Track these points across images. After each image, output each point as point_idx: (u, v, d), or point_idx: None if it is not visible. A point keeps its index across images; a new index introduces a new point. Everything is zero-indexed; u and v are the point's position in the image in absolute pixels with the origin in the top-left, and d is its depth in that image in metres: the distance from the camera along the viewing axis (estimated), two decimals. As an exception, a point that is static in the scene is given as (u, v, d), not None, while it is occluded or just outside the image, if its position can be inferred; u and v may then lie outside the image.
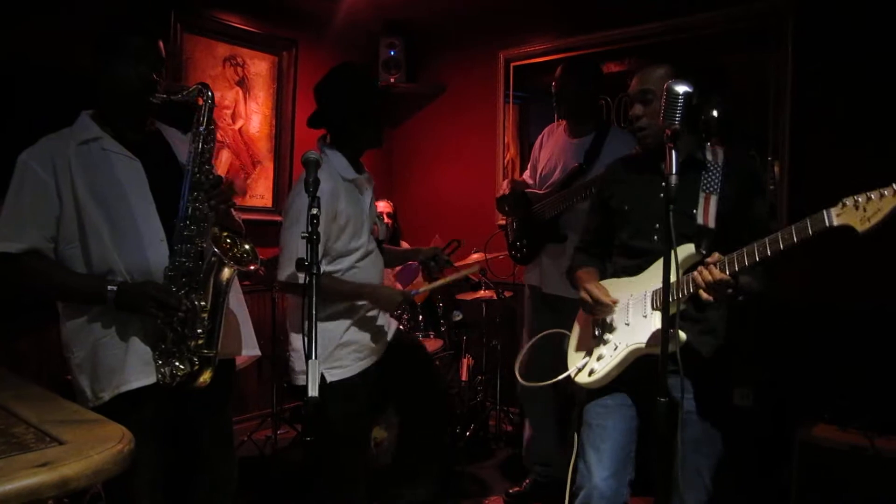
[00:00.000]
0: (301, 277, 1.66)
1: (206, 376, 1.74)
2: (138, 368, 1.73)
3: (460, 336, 3.76)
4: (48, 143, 1.75)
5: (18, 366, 2.88)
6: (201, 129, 1.77)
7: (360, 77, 2.25)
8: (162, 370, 1.73)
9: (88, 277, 1.72)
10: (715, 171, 1.82)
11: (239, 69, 3.94)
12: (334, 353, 2.13)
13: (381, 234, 2.35)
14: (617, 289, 1.89)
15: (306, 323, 1.49)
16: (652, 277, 1.82)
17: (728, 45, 3.25)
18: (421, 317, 3.28)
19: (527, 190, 2.95)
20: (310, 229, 1.57)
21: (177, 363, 1.73)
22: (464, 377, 3.72)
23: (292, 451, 3.52)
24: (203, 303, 1.73)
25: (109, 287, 1.67)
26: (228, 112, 3.90)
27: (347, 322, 2.15)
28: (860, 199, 1.41)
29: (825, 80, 2.99)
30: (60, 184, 1.71)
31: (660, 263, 1.70)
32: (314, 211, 1.59)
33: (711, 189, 1.80)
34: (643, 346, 1.76)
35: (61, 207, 1.71)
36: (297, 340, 2.17)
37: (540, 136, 3.07)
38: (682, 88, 1.56)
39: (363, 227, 2.18)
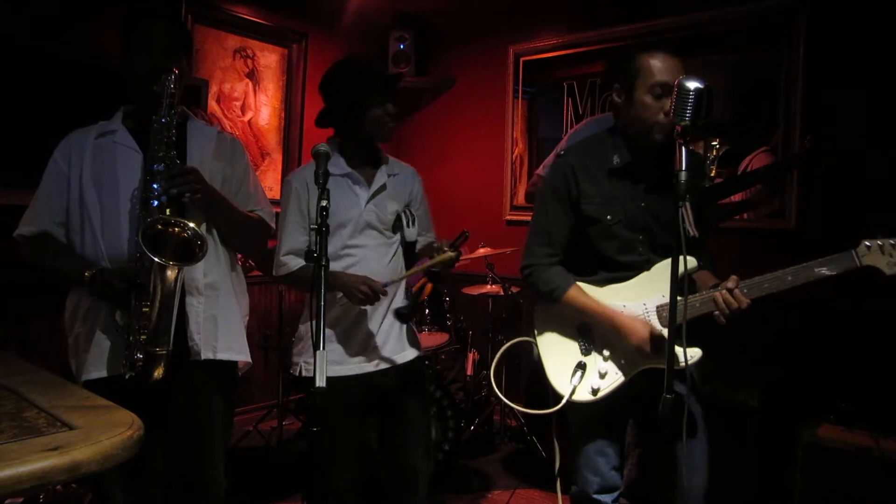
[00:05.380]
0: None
1: (157, 372, 1.64)
2: (97, 359, 1.72)
3: (466, 331, 3.77)
4: (73, 136, 1.81)
5: (28, 349, 2.91)
6: (162, 116, 1.68)
7: (356, 66, 2.11)
8: (123, 362, 1.66)
9: (75, 262, 1.73)
10: (681, 175, 1.77)
11: (249, 61, 3.95)
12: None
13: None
14: (606, 298, 1.82)
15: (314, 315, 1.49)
16: (645, 288, 1.79)
17: (739, 42, 3.24)
18: (427, 310, 3.28)
19: None
20: (319, 221, 1.58)
21: (127, 357, 1.65)
22: (469, 371, 3.73)
23: (298, 441, 3.54)
24: (146, 302, 1.63)
25: (87, 272, 1.68)
26: (238, 104, 3.91)
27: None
28: (883, 244, 1.53)
29: (836, 79, 2.97)
30: (72, 172, 1.76)
31: (650, 275, 1.78)
32: (324, 203, 1.60)
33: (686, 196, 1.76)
34: (662, 363, 1.65)
35: (69, 194, 1.76)
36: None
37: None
38: (693, 84, 1.54)
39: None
